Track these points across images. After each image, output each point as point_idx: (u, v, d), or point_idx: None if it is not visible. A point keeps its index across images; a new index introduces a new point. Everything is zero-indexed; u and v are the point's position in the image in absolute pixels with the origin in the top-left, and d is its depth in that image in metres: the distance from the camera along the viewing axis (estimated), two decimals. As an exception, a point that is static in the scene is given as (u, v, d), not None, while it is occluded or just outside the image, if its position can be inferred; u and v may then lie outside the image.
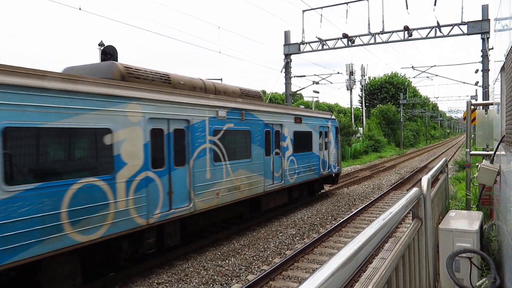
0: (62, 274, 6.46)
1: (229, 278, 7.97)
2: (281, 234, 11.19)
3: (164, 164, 8.27)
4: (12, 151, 5.60)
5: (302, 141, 14.60)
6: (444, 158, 8.02)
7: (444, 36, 20.05)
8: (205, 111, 9.49)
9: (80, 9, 14.69)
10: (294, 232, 11.34)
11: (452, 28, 19.77)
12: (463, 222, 5.11)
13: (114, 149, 7.09)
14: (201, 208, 9.23)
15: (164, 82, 8.97)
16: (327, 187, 18.39)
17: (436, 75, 31.28)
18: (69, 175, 6.34)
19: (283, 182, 13.09)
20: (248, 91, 12.62)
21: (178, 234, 8.89)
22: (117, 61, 9.24)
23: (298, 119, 14.29)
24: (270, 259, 9.07)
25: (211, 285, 7.64)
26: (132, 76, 8.18)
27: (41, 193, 5.89)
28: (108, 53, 9.09)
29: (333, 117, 17.99)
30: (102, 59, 9.38)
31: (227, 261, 8.98)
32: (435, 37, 20.24)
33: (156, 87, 8.30)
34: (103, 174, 6.85)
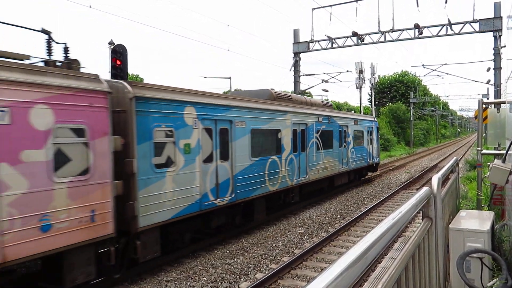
0: (262, 207, 11.94)
1: (238, 277, 7.99)
2: (289, 232, 11.18)
3: (297, 150, 13.61)
4: (252, 141, 11.05)
5: (358, 138, 19.70)
6: (454, 157, 7.93)
7: (455, 34, 19.84)
8: (313, 117, 14.83)
9: (90, 7, 14.78)
10: (302, 231, 11.32)
11: (463, 26, 19.55)
12: (474, 222, 5.05)
13: (281, 141, 12.55)
14: (311, 179, 14.52)
15: (290, 100, 13.97)
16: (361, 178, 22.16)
17: (447, 74, 31.03)
18: (268, 154, 11.91)
19: (348, 166, 18.21)
20: (325, 103, 17.91)
21: (298, 194, 13.99)
22: (127, 59, 9.35)
23: (355, 122, 19.38)
24: (279, 258, 9.06)
25: (220, 283, 7.66)
26: (278, 98, 13.25)
27: (260, 162, 11.43)
28: (118, 51, 9.16)
29: (375, 119, 23.25)
30: (112, 58, 9.46)
31: (235, 259, 9.00)
32: (446, 35, 20.04)
33: (291, 103, 13.80)
34: (278, 154, 12.34)
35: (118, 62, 9.48)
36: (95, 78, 6.81)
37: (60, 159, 6.15)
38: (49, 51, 6.78)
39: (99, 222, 6.66)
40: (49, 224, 5.94)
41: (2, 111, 5.42)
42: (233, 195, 10.11)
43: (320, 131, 15.24)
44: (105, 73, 10.98)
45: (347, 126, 18.13)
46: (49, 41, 6.77)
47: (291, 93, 20.30)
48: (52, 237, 5.95)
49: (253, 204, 11.34)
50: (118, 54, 9.39)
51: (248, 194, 10.78)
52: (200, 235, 10.11)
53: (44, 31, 6.86)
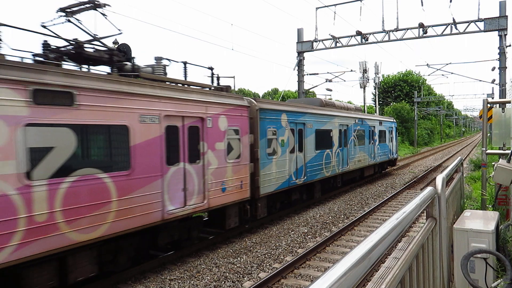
0: (319, 188, 15.55)
1: (241, 276, 8.00)
2: (293, 232, 11.17)
3: (341, 145, 17.08)
4: (316, 138, 14.63)
5: (382, 136, 23.22)
6: (459, 157, 7.89)
7: (460, 33, 19.73)
8: (352, 120, 18.44)
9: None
10: (306, 230, 11.31)
11: (468, 25, 19.44)
12: (479, 222, 5.03)
13: (332, 138, 16.06)
14: (350, 169, 18.03)
15: (334, 106, 17.74)
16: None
17: (452, 73, 30.86)
18: (324, 148, 15.35)
19: (374, 160, 21.62)
20: (356, 107, 21.28)
21: (341, 180, 17.76)
22: (131, 59, 9.35)
23: (380, 123, 22.97)
24: (282, 257, 9.06)
25: (223, 282, 7.67)
26: (326, 105, 17.00)
27: (320, 154, 14.96)
28: (122, 51, 9.16)
29: (394, 120, 26.88)
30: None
31: (238, 258, 9.01)
32: (451, 34, 19.94)
33: (335, 108, 17.47)
34: (330, 148, 15.85)
35: (122, 61, 9.47)
36: (241, 97, 10.85)
37: (229, 148, 10.03)
38: (212, 81, 10.95)
39: (243, 189, 10.59)
40: (224, 187, 9.77)
41: (209, 119, 9.29)
42: (305, 177, 13.94)
43: (356, 131, 19.05)
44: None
45: (374, 127, 21.79)
46: (212, 74, 10.97)
47: (302, 93, 23.80)
48: (224, 196, 9.79)
49: (314, 186, 15.10)
50: (122, 53, 9.40)
51: (313, 177, 14.52)
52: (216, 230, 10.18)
53: (210, 68, 10.97)
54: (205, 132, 9.18)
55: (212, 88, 10.36)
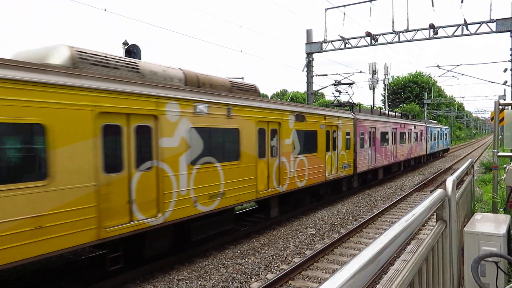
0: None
1: (248, 277, 7.99)
2: (301, 233, 11.14)
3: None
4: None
5: (441, 136, 38.96)
6: (470, 159, 7.80)
7: (471, 34, 19.52)
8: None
9: (105, 10, 14.95)
10: (314, 232, 11.27)
11: (480, 26, 19.23)
12: (490, 225, 4.96)
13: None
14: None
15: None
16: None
17: (463, 74, 30.59)
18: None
19: (438, 148, 38.69)
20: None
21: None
22: (140, 59, 9.40)
23: (439, 128, 37.43)
24: (290, 259, 9.04)
25: (231, 283, 7.67)
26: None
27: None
28: (132, 51, 9.24)
29: (448, 127, 43.49)
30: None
31: (246, 259, 9.00)
32: (462, 35, 19.73)
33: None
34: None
35: (132, 62, 9.53)
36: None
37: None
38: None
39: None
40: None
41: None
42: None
43: (431, 132, 34.64)
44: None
45: (437, 130, 38.33)
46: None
47: (311, 94, 24.78)
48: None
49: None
50: (132, 54, 9.48)
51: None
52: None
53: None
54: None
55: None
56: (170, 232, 8.35)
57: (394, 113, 26.34)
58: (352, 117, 17.42)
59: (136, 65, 7.75)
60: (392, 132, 23.03)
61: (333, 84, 23.18)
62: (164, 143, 7.68)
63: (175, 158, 7.97)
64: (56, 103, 5.89)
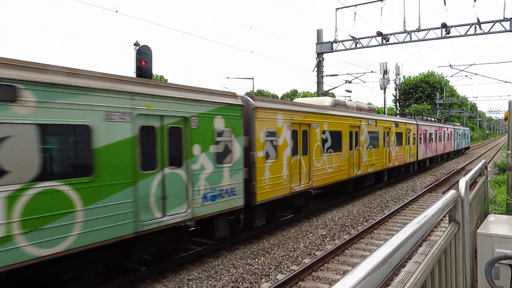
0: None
1: (259, 277, 7.98)
2: (311, 234, 11.10)
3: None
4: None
5: (463, 136, 45.17)
6: (483, 160, 7.69)
7: (484, 33, 19.26)
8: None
9: (117, 11, 15.09)
10: (324, 233, 11.22)
11: (493, 25, 18.96)
12: (504, 227, 4.89)
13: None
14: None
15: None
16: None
17: (475, 74, 30.16)
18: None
19: (462, 146, 45.49)
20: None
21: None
22: (151, 60, 9.48)
23: (462, 130, 44.27)
24: (300, 259, 9.01)
25: (241, 283, 7.67)
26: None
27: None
28: (143, 52, 9.31)
29: (469, 129, 52.73)
30: (137, 58, 9.62)
31: (256, 259, 9.00)
32: (475, 34, 19.47)
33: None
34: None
35: (143, 63, 9.64)
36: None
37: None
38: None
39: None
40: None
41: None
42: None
43: (457, 133, 40.27)
44: (131, 73, 11.18)
45: (460, 131, 42.98)
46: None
47: (322, 94, 25.45)
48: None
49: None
50: (143, 55, 9.55)
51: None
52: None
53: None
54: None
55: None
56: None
57: (432, 119, 33.87)
58: (415, 122, 25.00)
59: None
60: (435, 133, 30.01)
61: (346, 91, 27.32)
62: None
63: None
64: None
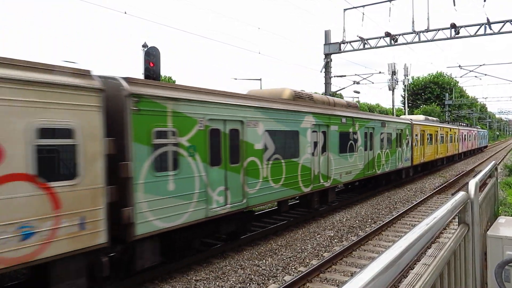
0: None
1: (266, 278, 7.98)
2: (318, 235, 11.06)
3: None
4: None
5: (482, 137, 55.42)
6: (493, 162, 7.61)
7: (494, 33, 19.06)
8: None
9: (125, 13, 15.21)
10: (332, 234, 11.17)
11: (503, 25, 18.76)
12: (514, 229, 4.82)
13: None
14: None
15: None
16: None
17: (485, 74, 29.87)
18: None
19: (480, 145, 55.50)
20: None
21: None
22: (159, 61, 9.52)
23: (482, 132, 56.53)
24: (308, 261, 8.99)
25: (248, 284, 7.67)
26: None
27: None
28: (151, 54, 9.36)
29: (486, 130, 67.23)
30: (145, 60, 9.68)
31: (264, 261, 8.99)
32: (485, 34, 19.29)
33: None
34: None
35: (151, 64, 9.69)
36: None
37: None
38: None
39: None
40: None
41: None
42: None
43: (479, 134, 50.97)
44: (139, 75, 11.25)
45: (481, 132, 52.92)
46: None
47: (330, 95, 24.96)
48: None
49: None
50: (152, 56, 9.60)
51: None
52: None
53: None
54: None
55: None
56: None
57: (463, 124, 44.75)
58: (457, 128, 34.53)
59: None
60: (467, 134, 41.13)
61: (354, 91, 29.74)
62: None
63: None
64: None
